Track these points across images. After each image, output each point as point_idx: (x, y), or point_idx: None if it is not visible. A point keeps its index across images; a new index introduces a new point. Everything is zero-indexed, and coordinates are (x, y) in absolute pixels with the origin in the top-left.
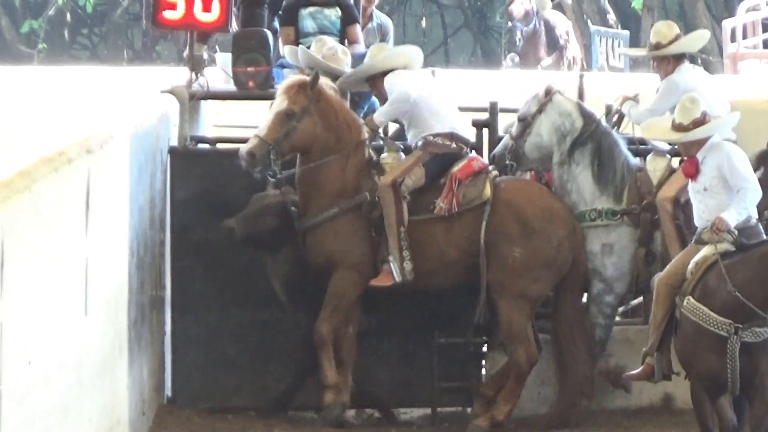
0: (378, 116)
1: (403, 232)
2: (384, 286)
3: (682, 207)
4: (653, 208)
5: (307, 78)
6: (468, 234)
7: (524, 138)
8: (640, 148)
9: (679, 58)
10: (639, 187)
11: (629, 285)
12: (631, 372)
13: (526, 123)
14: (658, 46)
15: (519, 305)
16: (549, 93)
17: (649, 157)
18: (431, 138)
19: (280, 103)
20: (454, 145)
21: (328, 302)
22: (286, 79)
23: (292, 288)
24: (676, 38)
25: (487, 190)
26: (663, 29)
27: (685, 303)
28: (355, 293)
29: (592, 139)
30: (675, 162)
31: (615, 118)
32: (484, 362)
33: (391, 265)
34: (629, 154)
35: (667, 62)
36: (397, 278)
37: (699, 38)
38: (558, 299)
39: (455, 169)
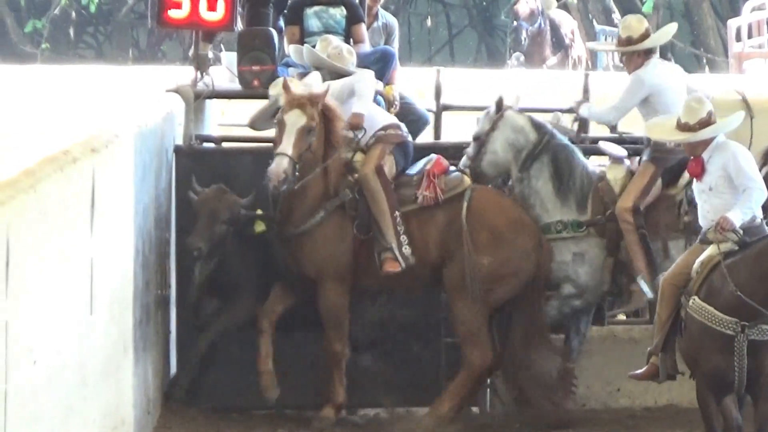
0: (361, 110)
1: (398, 217)
2: (395, 271)
3: (642, 214)
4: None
5: (317, 93)
6: (448, 222)
7: (480, 157)
8: (589, 147)
9: (648, 53)
10: (602, 197)
11: (600, 295)
12: (636, 371)
13: (480, 142)
14: (628, 41)
15: (477, 309)
16: (500, 109)
17: (607, 166)
18: (382, 133)
19: (297, 118)
20: (403, 133)
21: (328, 321)
22: (293, 90)
23: (210, 291)
24: (646, 32)
25: (467, 180)
26: (633, 23)
27: (690, 303)
28: (346, 302)
29: (546, 150)
30: (634, 168)
31: (576, 124)
32: None
33: (395, 252)
34: (587, 163)
35: (637, 56)
36: (402, 264)
37: (668, 32)
38: (517, 307)
39: (428, 166)
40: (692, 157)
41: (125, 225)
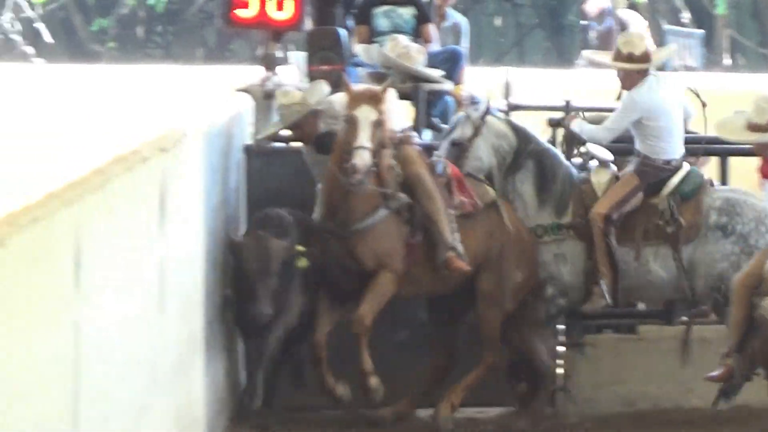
0: None
1: (452, 215)
2: (466, 270)
3: (614, 223)
4: None
5: (380, 89)
6: (487, 231)
7: (463, 162)
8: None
9: (646, 71)
10: (584, 199)
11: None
12: (712, 373)
13: (462, 147)
14: (630, 58)
15: (497, 315)
16: (486, 114)
17: (593, 170)
18: (402, 135)
19: (369, 113)
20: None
21: (374, 296)
22: (360, 85)
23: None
24: (648, 50)
25: (490, 189)
26: (636, 40)
27: (764, 304)
28: (391, 295)
29: (531, 155)
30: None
31: (564, 137)
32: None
33: (459, 250)
34: (571, 167)
35: (636, 73)
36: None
37: (668, 53)
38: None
39: (449, 170)
40: (763, 158)
41: (195, 224)
